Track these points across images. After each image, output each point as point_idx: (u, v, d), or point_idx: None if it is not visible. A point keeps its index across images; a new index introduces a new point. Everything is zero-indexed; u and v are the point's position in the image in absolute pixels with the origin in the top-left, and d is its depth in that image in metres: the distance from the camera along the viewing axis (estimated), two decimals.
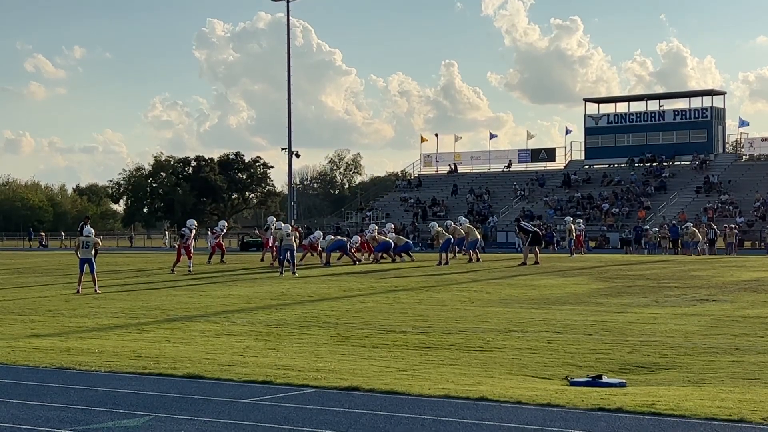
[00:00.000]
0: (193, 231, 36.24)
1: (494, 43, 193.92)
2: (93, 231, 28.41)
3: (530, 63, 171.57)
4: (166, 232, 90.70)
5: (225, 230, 42.53)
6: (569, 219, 47.26)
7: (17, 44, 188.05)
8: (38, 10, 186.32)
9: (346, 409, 10.48)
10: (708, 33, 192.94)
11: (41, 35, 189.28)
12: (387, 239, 38.70)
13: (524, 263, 34.43)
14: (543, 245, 40.07)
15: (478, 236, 38.70)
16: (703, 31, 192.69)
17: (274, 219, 41.29)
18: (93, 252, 27.28)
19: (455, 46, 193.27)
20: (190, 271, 33.83)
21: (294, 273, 31.58)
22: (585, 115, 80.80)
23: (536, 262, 34.49)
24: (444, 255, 36.06)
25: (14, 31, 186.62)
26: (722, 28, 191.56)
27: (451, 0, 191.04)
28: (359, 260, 37.49)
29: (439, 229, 37.65)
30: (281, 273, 31.82)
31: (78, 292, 26.77)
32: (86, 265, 26.99)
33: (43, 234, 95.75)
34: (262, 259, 40.14)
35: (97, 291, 26.69)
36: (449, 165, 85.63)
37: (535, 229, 37.38)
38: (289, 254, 32.26)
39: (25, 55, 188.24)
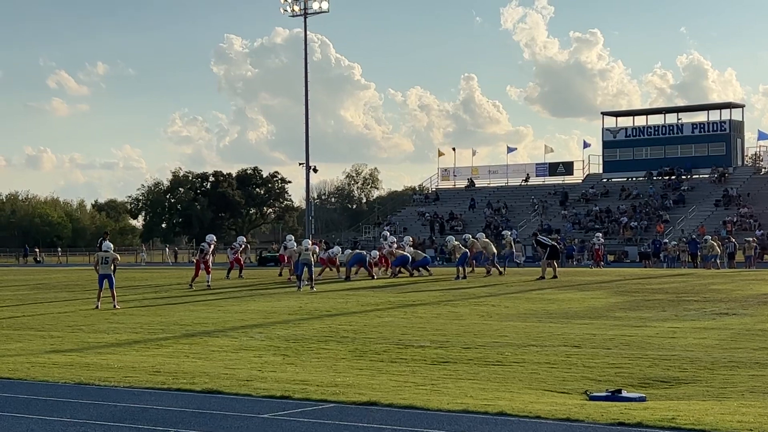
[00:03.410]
0: (212, 246, 36.30)
1: (513, 57, 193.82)
2: (112, 246, 28.54)
3: (550, 76, 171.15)
4: (144, 250, 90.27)
5: (244, 245, 42.68)
6: (507, 233, 44.42)
7: (40, 60, 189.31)
8: (61, 27, 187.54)
9: (365, 424, 10.47)
10: (728, 45, 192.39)
11: (64, 51, 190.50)
12: (405, 253, 38.68)
13: (542, 277, 34.36)
14: (560, 259, 39.70)
15: (495, 250, 38.62)
16: (723, 44, 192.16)
17: (292, 237, 41.30)
18: (112, 267, 27.40)
19: (474, 59, 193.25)
20: (208, 286, 33.89)
21: (312, 288, 31.58)
22: (603, 128, 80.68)
23: (554, 276, 34.41)
24: (461, 269, 36.04)
25: (37, 47, 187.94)
26: (743, 40, 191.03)
27: (470, 14, 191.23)
28: (376, 275, 37.44)
29: (456, 243, 37.62)
30: (299, 288, 31.84)
31: (97, 307, 26.85)
32: (105, 281, 27.07)
33: (37, 250, 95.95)
34: (279, 274, 40.18)
35: (116, 306, 26.77)
36: (467, 179, 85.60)
37: (552, 242, 37.25)
38: (306, 269, 32.23)
39: (48, 71, 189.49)
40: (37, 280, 42.54)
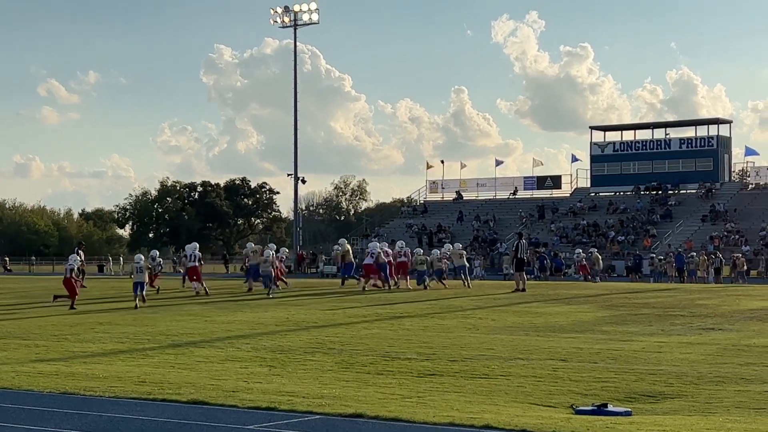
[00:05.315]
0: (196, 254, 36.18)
1: (504, 70, 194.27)
2: (143, 258, 32.31)
3: (540, 90, 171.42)
4: (111, 261, 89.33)
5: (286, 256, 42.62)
6: (419, 251, 40.82)
7: (31, 68, 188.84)
8: (53, 35, 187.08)
9: None
10: (718, 61, 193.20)
11: (55, 60, 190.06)
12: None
13: (523, 289, 34.30)
14: (524, 272, 38.43)
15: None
16: (713, 60, 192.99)
17: (252, 245, 41.28)
18: (147, 273, 31.68)
19: (465, 72, 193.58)
20: (197, 293, 34.07)
21: (270, 295, 33.01)
22: (591, 142, 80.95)
23: (522, 289, 34.31)
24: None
25: (28, 55, 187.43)
26: (733, 56, 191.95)
27: (461, 27, 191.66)
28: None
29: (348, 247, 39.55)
30: (250, 289, 35.17)
31: (136, 307, 29.35)
32: (138, 286, 30.62)
33: (7, 258, 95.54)
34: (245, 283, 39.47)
35: (137, 307, 29.39)
36: (455, 192, 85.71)
37: (522, 256, 36.78)
38: (267, 280, 34.35)
39: (39, 79, 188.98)
40: (22, 289, 42.36)
